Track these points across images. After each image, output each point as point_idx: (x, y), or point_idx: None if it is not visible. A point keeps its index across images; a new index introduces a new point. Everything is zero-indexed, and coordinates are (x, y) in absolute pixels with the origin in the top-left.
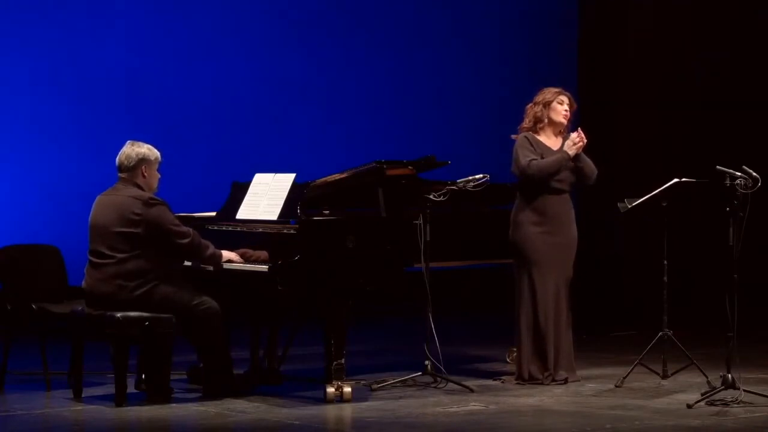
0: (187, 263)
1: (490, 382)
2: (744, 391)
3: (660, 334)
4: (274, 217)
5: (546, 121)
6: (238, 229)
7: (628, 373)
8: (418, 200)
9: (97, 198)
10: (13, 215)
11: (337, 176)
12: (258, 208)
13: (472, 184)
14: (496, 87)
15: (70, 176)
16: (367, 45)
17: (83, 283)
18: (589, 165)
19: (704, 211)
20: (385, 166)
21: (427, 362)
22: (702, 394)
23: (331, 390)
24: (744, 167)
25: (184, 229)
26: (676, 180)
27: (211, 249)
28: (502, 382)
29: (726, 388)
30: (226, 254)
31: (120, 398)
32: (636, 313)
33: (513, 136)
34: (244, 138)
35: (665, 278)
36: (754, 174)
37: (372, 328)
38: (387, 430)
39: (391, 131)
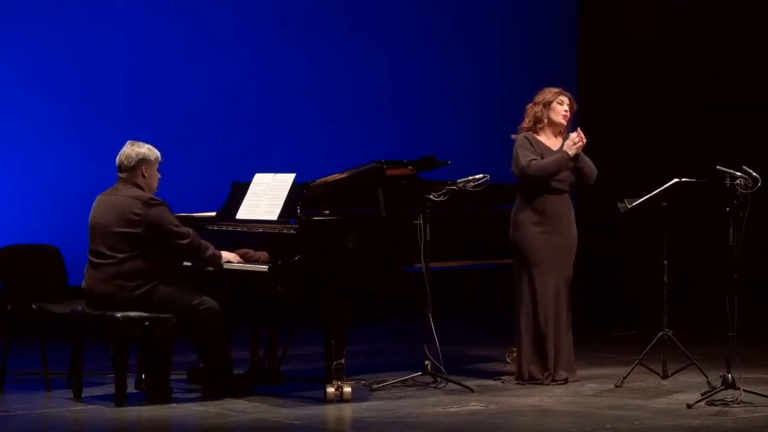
0: (187, 263)
1: (490, 382)
2: (744, 391)
3: (660, 334)
4: (274, 217)
5: (546, 121)
6: (238, 229)
7: (628, 373)
8: (418, 200)
9: (97, 198)
10: (13, 215)
11: (337, 176)
12: (258, 208)
13: (472, 184)
14: (496, 87)
15: (70, 176)
16: (367, 45)
17: (83, 283)
18: (588, 165)
19: (704, 211)
20: (385, 166)
21: (427, 362)
22: (702, 394)
23: (331, 390)
24: (744, 167)
25: (184, 229)
26: (676, 180)
27: (211, 250)
28: (502, 382)
29: (726, 388)
30: (226, 255)
31: (120, 398)
32: (636, 313)
33: (513, 136)
34: (244, 138)
35: (665, 278)
36: (754, 174)
37: (372, 328)
38: (387, 430)
39: (391, 131)
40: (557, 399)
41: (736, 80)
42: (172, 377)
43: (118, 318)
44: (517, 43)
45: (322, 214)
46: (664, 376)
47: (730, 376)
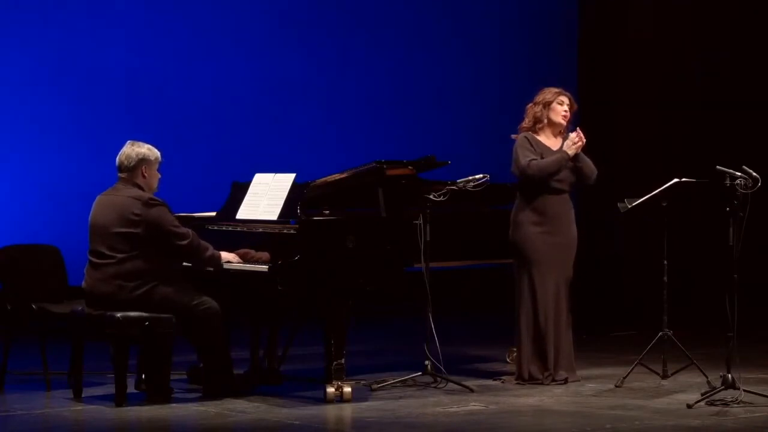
0: (187, 264)
1: (490, 382)
2: (744, 391)
3: (660, 334)
4: (274, 217)
5: (545, 121)
6: (238, 229)
7: (628, 373)
8: (418, 200)
9: (97, 198)
10: (13, 215)
11: (337, 176)
12: (258, 208)
13: (472, 184)
14: (496, 87)
15: (70, 176)
16: (367, 45)
17: (83, 283)
18: (588, 165)
19: (704, 211)
20: (385, 166)
21: (427, 362)
22: (702, 394)
23: (331, 390)
24: (744, 167)
25: (184, 230)
26: (676, 180)
27: (210, 250)
28: (502, 382)
29: (726, 388)
30: (225, 255)
31: (120, 398)
32: (636, 313)
33: (513, 136)
34: (244, 138)
35: (665, 278)
36: (754, 174)
37: (372, 328)
38: (387, 430)
39: (391, 131)
40: (557, 399)
41: (736, 80)
42: (172, 377)
43: (118, 318)
44: (517, 43)
45: (322, 214)
46: (664, 376)
47: (730, 376)
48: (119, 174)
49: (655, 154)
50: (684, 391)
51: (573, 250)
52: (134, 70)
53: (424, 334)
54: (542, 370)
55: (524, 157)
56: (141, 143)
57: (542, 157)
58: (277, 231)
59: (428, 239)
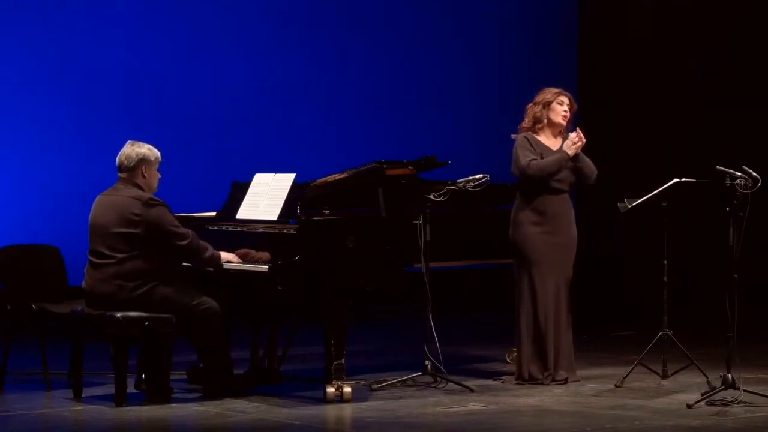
0: (187, 264)
1: (490, 382)
2: (744, 391)
3: (660, 334)
4: (274, 217)
5: (545, 121)
6: (238, 229)
7: (628, 373)
8: (418, 200)
9: (97, 198)
10: (13, 215)
11: (337, 176)
12: (258, 208)
13: (472, 184)
14: (496, 87)
15: (70, 176)
16: (367, 45)
17: (83, 283)
18: (588, 165)
19: (704, 211)
20: (385, 166)
21: (427, 362)
22: (702, 394)
23: (331, 390)
24: (744, 167)
25: (184, 230)
26: (676, 180)
27: (210, 251)
28: (502, 382)
29: (726, 388)
30: (225, 255)
31: (120, 398)
32: (636, 313)
33: (513, 136)
34: (244, 138)
35: (665, 278)
36: (754, 174)
37: (372, 328)
38: (387, 430)
39: (391, 131)
40: (557, 399)
41: (736, 80)
42: (172, 377)
43: (118, 318)
44: (517, 43)
45: (322, 214)
46: (664, 376)
47: (730, 376)
48: (119, 174)
49: (655, 154)
50: (684, 391)
51: (573, 250)
52: (134, 70)
53: (424, 334)
54: (542, 370)
55: (524, 157)
56: (141, 143)
57: (542, 157)
58: (277, 231)
59: (428, 239)
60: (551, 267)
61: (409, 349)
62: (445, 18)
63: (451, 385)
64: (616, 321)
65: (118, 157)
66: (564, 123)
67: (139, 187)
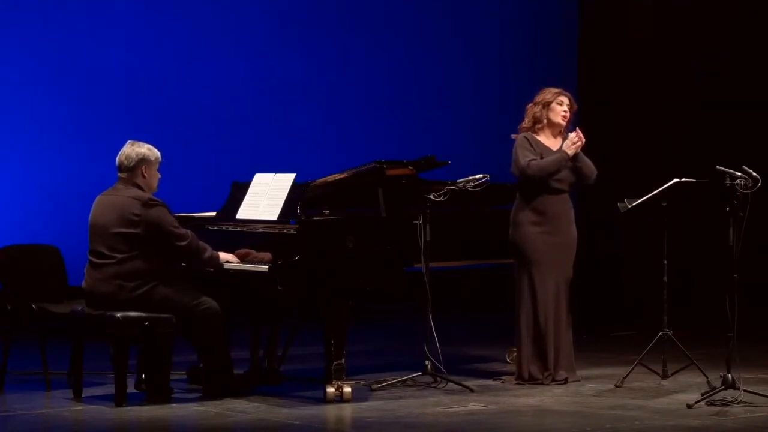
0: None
1: (490, 382)
2: (744, 391)
3: (660, 334)
4: (274, 217)
5: (545, 121)
6: (238, 229)
7: (628, 373)
8: (418, 200)
9: (97, 198)
10: (13, 215)
11: (337, 176)
12: (258, 208)
13: (472, 184)
14: (496, 87)
15: (70, 176)
16: (367, 45)
17: (83, 283)
18: (588, 165)
19: (704, 211)
20: (385, 166)
21: (427, 362)
22: (702, 394)
23: (331, 390)
24: (744, 167)
25: (183, 231)
26: (676, 180)
27: (209, 251)
28: (502, 382)
29: (726, 388)
30: (224, 256)
31: (120, 398)
32: (636, 313)
33: (513, 136)
34: (244, 138)
35: (665, 278)
36: (754, 174)
37: (372, 328)
38: (387, 430)
39: (391, 131)
40: (557, 399)
41: (736, 80)
42: (172, 377)
43: (118, 318)
44: (517, 43)
45: (322, 214)
46: (664, 376)
47: (730, 376)
48: (119, 174)
49: (655, 154)
50: (684, 391)
51: (573, 250)
52: (134, 70)
53: (424, 334)
54: (542, 370)
55: (524, 157)
56: (141, 143)
57: (542, 157)
58: (277, 231)
59: (428, 239)
60: (551, 267)
61: (409, 349)
62: (445, 18)
63: (451, 385)
64: (616, 321)
65: (118, 157)
66: (564, 123)
67: (139, 187)
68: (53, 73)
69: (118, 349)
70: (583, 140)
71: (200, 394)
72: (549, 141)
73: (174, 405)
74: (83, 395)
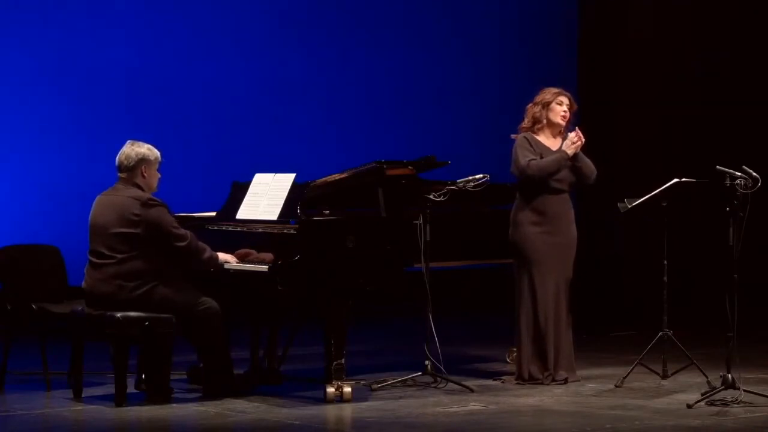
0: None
1: (490, 382)
2: (744, 391)
3: (660, 334)
4: (274, 217)
5: (545, 121)
6: (238, 229)
7: (628, 373)
8: (418, 200)
9: (97, 198)
10: (13, 215)
11: (337, 176)
12: (258, 208)
13: (472, 184)
14: (496, 87)
15: (70, 176)
16: (367, 45)
17: (83, 283)
18: (588, 165)
19: (704, 211)
20: (385, 166)
21: (427, 362)
22: (702, 394)
23: (331, 390)
24: (744, 167)
25: (183, 231)
26: (676, 180)
27: (208, 252)
28: (502, 382)
29: (726, 388)
30: (223, 257)
31: (120, 398)
32: (636, 313)
33: (513, 136)
34: (244, 138)
35: (665, 278)
36: (754, 174)
37: (372, 328)
38: (387, 430)
39: (391, 131)
40: (557, 399)
41: (736, 80)
42: (172, 377)
43: (118, 318)
44: (517, 43)
45: (322, 214)
46: (664, 376)
47: (730, 376)
48: (119, 174)
49: (655, 154)
50: (684, 391)
51: (573, 250)
52: (134, 70)
53: (424, 334)
54: (542, 370)
55: (523, 157)
56: (141, 143)
57: (542, 157)
58: (277, 231)
59: (428, 239)
60: (551, 267)
61: (409, 349)
62: (445, 18)
63: (451, 385)
64: (616, 321)
65: (117, 157)
66: (563, 123)
67: (139, 187)
68: (53, 73)
69: (118, 349)
70: (583, 140)
71: (200, 394)
72: (549, 141)
73: (174, 405)
74: (83, 395)
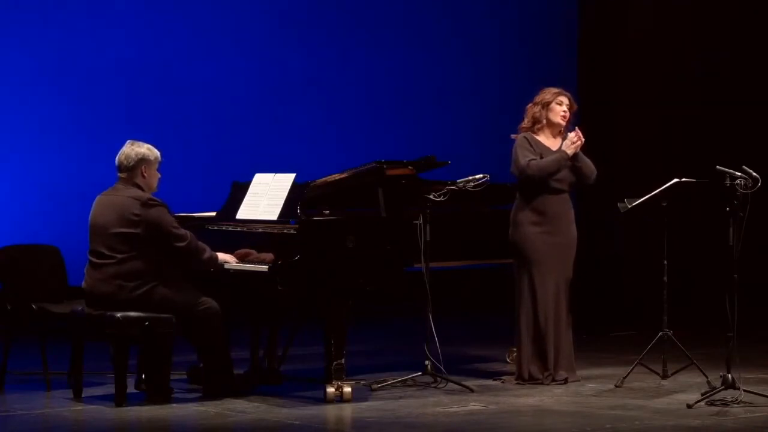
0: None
1: (490, 382)
2: (744, 391)
3: (660, 334)
4: (274, 217)
5: (544, 121)
6: (238, 229)
7: (628, 373)
8: (418, 200)
9: (97, 198)
10: (13, 215)
11: (337, 176)
12: (258, 208)
13: (472, 184)
14: (496, 87)
15: (70, 176)
16: (367, 45)
17: (83, 283)
18: (588, 165)
19: (704, 211)
20: (385, 166)
21: (427, 362)
22: (702, 394)
23: (331, 390)
24: (744, 167)
25: (182, 231)
26: (676, 180)
27: (208, 252)
28: (502, 382)
29: (726, 388)
30: (223, 257)
31: (120, 398)
32: (636, 313)
33: (513, 136)
34: (244, 138)
35: (665, 278)
36: (754, 174)
37: (372, 328)
38: (387, 430)
39: (391, 131)
40: (557, 399)
41: (736, 80)
42: (172, 377)
43: (118, 318)
44: (517, 43)
45: (322, 214)
46: (664, 376)
47: (730, 376)
48: (119, 174)
49: (655, 154)
50: (684, 391)
51: (573, 250)
52: (134, 70)
53: (424, 334)
54: (542, 370)
55: (523, 157)
56: (141, 143)
57: (541, 157)
58: (277, 231)
59: (428, 239)
60: (551, 267)
61: (409, 349)
62: (445, 18)
63: (451, 385)
64: (616, 321)
65: (117, 157)
66: (563, 123)
67: (139, 187)
68: (53, 73)
69: (118, 349)
70: (582, 140)
71: (200, 394)
72: (549, 141)
73: (174, 405)
74: (83, 395)
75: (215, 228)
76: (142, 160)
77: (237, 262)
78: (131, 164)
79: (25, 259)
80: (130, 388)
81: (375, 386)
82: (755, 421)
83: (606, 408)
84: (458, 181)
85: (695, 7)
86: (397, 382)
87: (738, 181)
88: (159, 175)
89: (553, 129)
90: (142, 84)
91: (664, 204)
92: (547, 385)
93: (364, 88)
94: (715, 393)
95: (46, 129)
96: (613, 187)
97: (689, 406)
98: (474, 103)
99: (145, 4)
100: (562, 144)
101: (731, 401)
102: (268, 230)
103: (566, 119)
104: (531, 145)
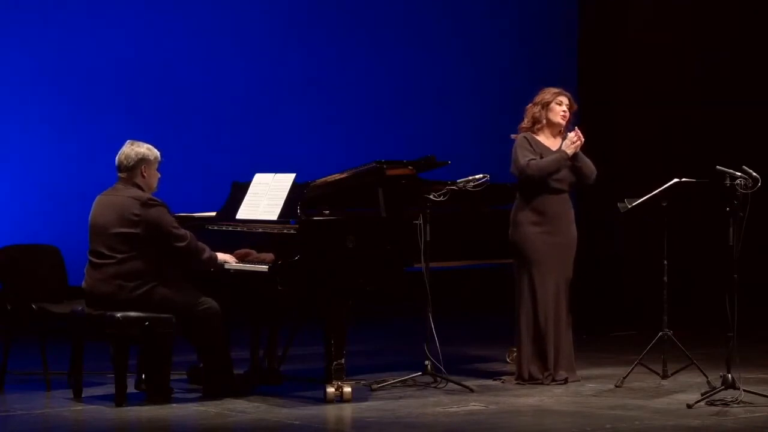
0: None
1: (490, 382)
2: (744, 391)
3: (660, 334)
4: (274, 217)
5: (544, 121)
6: (238, 229)
7: (628, 373)
8: (418, 200)
9: (97, 198)
10: (13, 215)
11: (337, 176)
12: (258, 208)
13: (472, 184)
14: (496, 87)
15: (70, 176)
16: (367, 45)
17: (83, 283)
18: (587, 165)
19: (704, 211)
20: (385, 166)
21: (427, 362)
22: (702, 394)
23: (331, 390)
24: (744, 167)
25: (182, 231)
26: (676, 180)
27: (208, 252)
28: (502, 382)
29: (726, 388)
30: (222, 257)
31: (120, 398)
32: (636, 313)
33: (513, 136)
34: (244, 138)
35: (665, 278)
36: (754, 174)
37: (372, 328)
38: (387, 430)
39: (391, 131)
40: (557, 399)
41: (736, 80)
42: (172, 377)
43: (118, 318)
44: (517, 43)
45: (322, 214)
46: (664, 376)
47: (730, 376)
48: (119, 174)
49: (655, 154)
50: (684, 391)
51: (573, 250)
52: (134, 70)
53: (424, 334)
54: (542, 370)
55: (523, 157)
56: (140, 143)
57: (541, 157)
58: (277, 231)
59: (428, 239)
60: (551, 267)
61: (409, 349)
62: (445, 18)
63: (451, 385)
64: (616, 321)
65: (117, 157)
66: (563, 123)
67: (139, 187)
68: (53, 73)
69: (118, 349)
70: (582, 140)
71: (200, 394)
72: (548, 141)
73: (174, 405)
74: (83, 395)
75: (215, 228)
76: (142, 160)
77: (237, 262)
78: (131, 164)
79: (25, 259)
80: (130, 388)
81: (375, 386)
82: (755, 421)
83: (606, 408)
84: (458, 181)
85: (695, 7)
86: (397, 382)
87: (738, 181)
88: (159, 175)
89: (553, 129)
90: (142, 84)
91: (664, 204)
92: (547, 385)
93: (364, 88)
94: (715, 393)
95: (46, 129)
96: (613, 187)
97: (689, 406)
98: (474, 103)
99: (145, 4)
100: (562, 144)
101: (731, 401)
102: (268, 230)
103: (566, 119)
104: (531, 145)
